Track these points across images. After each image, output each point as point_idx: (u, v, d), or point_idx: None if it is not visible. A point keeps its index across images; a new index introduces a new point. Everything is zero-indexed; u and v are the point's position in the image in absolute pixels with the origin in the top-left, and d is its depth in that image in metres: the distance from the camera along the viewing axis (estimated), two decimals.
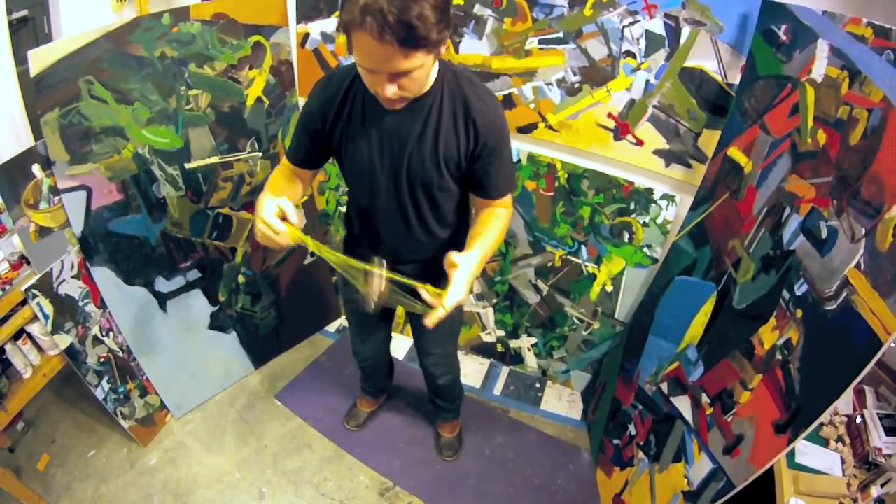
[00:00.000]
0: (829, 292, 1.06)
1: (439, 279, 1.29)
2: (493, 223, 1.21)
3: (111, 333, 1.80)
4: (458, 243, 1.27)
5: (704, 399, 1.41)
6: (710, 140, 1.59)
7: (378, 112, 1.12)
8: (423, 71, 0.97)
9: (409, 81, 0.97)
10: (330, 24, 1.95)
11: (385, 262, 1.07)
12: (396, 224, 1.29)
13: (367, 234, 1.37)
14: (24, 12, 1.73)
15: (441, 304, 1.00)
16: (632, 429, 1.76)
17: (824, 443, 1.25)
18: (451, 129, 1.13)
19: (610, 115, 1.70)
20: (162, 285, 1.89)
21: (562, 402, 2.24)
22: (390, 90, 0.96)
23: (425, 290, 1.02)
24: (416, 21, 0.83)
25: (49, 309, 1.57)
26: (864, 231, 1.01)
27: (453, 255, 1.03)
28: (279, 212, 1.00)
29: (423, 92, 1.08)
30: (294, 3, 1.91)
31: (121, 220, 1.71)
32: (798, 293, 1.15)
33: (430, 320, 1.02)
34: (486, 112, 1.12)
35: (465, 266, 1.03)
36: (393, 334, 1.76)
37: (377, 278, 1.05)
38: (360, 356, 1.82)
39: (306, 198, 2.26)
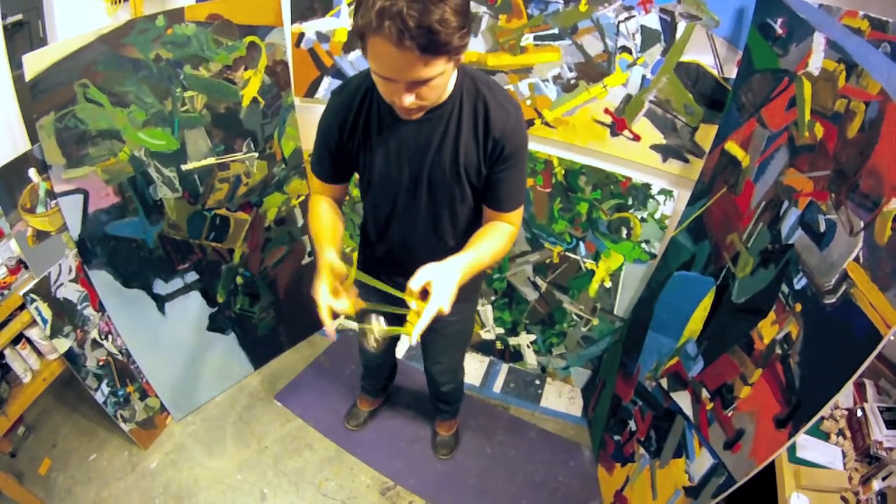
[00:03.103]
0: (828, 286, 1.06)
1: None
2: (494, 235, 1.14)
3: (110, 336, 1.80)
4: None
5: (704, 394, 1.41)
6: (707, 134, 1.58)
7: (395, 121, 1.07)
8: (443, 79, 0.92)
9: (429, 90, 0.91)
10: (325, 23, 1.94)
11: (382, 320, 1.10)
12: (414, 237, 1.24)
13: (382, 249, 1.33)
14: (18, 16, 1.72)
15: (415, 324, 0.96)
16: (632, 425, 1.76)
17: (825, 437, 1.25)
18: (471, 137, 1.07)
19: (606, 111, 1.70)
20: (160, 287, 1.89)
21: (562, 399, 2.24)
22: (408, 100, 0.91)
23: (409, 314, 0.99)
24: (437, 25, 0.78)
25: (47, 313, 1.57)
26: (862, 224, 1.00)
27: (428, 268, 0.97)
28: (332, 288, 1.00)
29: (443, 100, 1.03)
30: (289, 3, 1.91)
31: (118, 223, 1.71)
32: (797, 287, 1.15)
33: (414, 337, 0.97)
34: (507, 118, 1.06)
35: (444, 276, 0.97)
36: None
37: (371, 335, 1.11)
38: (366, 356, 1.82)
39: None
